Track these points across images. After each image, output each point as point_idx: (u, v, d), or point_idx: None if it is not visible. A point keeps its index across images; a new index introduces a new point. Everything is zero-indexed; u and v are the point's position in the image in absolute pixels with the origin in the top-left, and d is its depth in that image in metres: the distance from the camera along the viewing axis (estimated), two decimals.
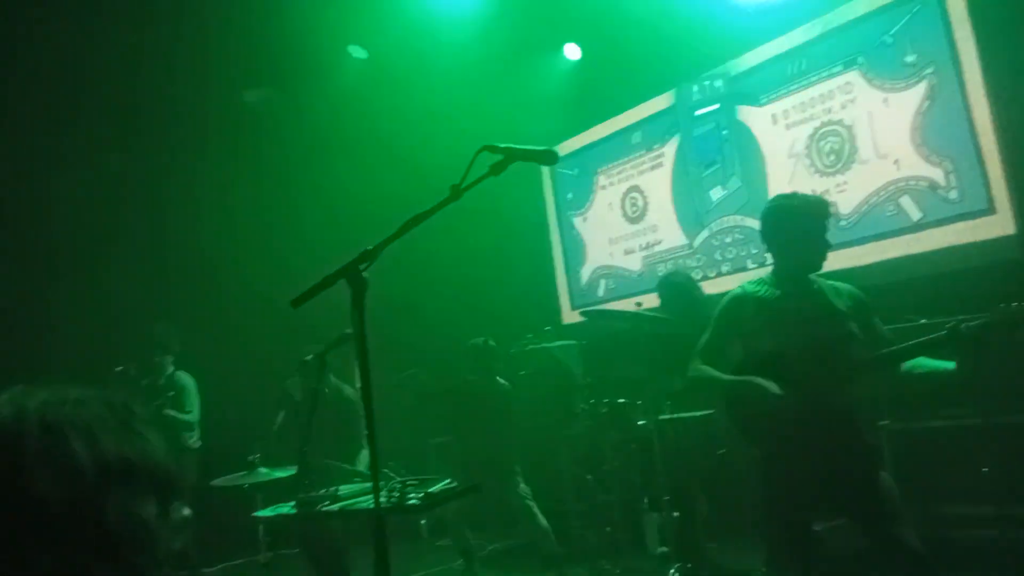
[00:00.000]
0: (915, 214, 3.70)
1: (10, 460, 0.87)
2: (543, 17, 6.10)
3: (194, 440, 5.74)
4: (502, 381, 5.45)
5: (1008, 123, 3.21)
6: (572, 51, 6.63)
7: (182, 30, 5.79)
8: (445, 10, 6.10)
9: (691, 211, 5.24)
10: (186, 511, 1.05)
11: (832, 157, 4.08)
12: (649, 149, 5.21)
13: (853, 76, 3.83)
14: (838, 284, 3.18)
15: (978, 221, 3.48)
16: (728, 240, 5.16)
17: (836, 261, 3.00)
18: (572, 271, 5.34)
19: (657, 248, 5.12)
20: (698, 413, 4.90)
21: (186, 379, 5.79)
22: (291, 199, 7.00)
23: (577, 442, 5.77)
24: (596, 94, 5.82)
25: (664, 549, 4.87)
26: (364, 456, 4.91)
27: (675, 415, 4.75)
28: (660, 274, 5.38)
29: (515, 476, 5.25)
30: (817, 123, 4.10)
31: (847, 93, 3.88)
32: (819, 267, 3.12)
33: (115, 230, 6.44)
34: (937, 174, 3.50)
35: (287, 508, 3.32)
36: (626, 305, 4.89)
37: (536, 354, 6.42)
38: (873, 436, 3.11)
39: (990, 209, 3.43)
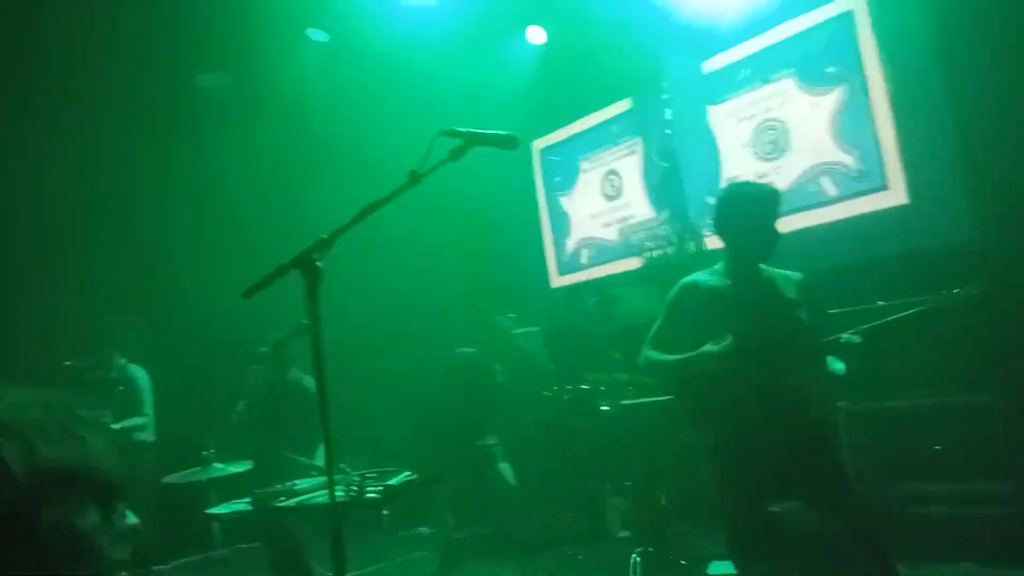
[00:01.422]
0: (831, 190, 4.60)
1: None
2: (511, 2, 6.08)
3: (148, 434, 5.59)
4: (469, 352, 5.40)
5: (903, 121, 4.26)
6: (536, 34, 6.57)
7: (136, 12, 5.59)
8: None
9: (657, 192, 5.85)
10: (133, 519, 1.01)
11: (771, 146, 4.94)
12: (624, 139, 5.91)
13: (787, 83, 4.73)
14: (788, 272, 3.19)
15: (878, 194, 4.43)
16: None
17: None
18: (559, 243, 6.08)
19: (631, 221, 5.79)
20: (661, 398, 4.93)
21: (138, 372, 5.61)
22: (248, 184, 6.84)
23: (541, 429, 5.76)
24: (576, 89, 6.12)
25: (626, 533, 4.91)
26: (323, 449, 4.85)
27: (638, 400, 4.77)
28: (632, 242, 5.77)
29: (497, 459, 5.18)
30: (760, 119, 4.96)
31: (783, 96, 4.76)
32: (769, 255, 3.11)
33: (69, 220, 6.22)
34: (848, 160, 4.49)
35: (242, 504, 3.24)
36: (605, 270, 5.74)
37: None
38: (827, 417, 3.13)
39: (885, 186, 4.41)
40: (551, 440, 5.60)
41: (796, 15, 4.47)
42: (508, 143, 2.29)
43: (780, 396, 2.98)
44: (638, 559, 4.35)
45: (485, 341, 5.65)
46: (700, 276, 3.20)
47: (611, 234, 5.87)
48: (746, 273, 3.11)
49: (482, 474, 5.05)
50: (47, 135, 5.98)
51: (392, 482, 2.97)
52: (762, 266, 3.15)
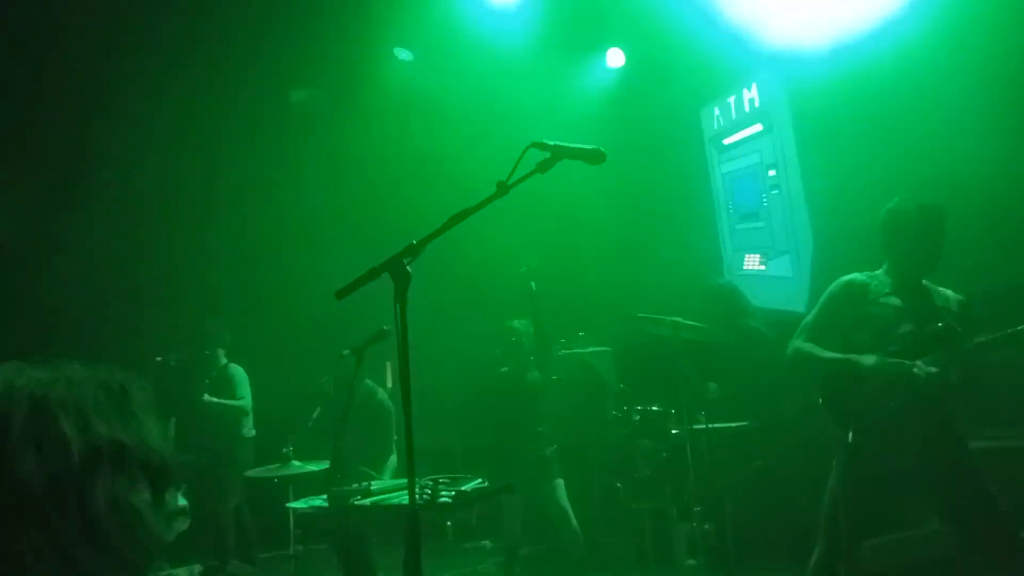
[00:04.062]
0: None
1: None
2: (594, 21, 6.29)
3: (248, 429, 5.78)
4: (533, 372, 5.34)
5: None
6: (615, 57, 6.67)
7: (230, 31, 5.90)
8: (490, 12, 6.18)
9: None
10: (183, 501, 1.03)
11: None
12: None
13: None
14: (947, 291, 3.23)
15: None
16: None
17: None
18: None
19: None
20: (733, 424, 4.85)
21: (237, 371, 5.85)
22: (338, 195, 7.05)
23: (608, 450, 5.71)
24: None
25: (692, 561, 4.82)
26: (392, 463, 4.83)
27: (709, 425, 4.69)
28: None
29: (552, 475, 5.08)
30: None
31: None
32: (931, 271, 3.17)
33: (166, 226, 6.56)
34: None
35: (320, 501, 3.34)
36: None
37: (569, 360, 6.36)
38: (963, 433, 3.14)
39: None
40: (616, 461, 5.54)
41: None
42: (594, 157, 2.31)
43: (927, 403, 3.00)
44: None
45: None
46: (860, 276, 3.25)
47: None
48: (906, 285, 3.17)
49: (536, 488, 4.94)
50: (157, 149, 6.33)
51: (464, 488, 3.01)
52: (924, 281, 3.21)
